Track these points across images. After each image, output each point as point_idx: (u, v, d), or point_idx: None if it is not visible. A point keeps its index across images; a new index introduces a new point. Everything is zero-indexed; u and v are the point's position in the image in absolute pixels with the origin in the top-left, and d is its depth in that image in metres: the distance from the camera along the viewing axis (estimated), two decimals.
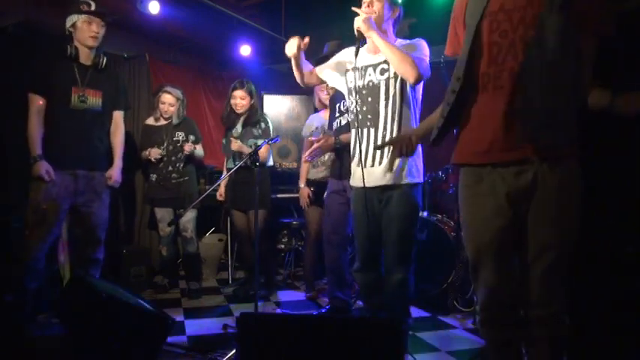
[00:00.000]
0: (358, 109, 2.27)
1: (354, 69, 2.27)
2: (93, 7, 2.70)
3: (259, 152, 3.44)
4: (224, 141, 3.69)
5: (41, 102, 2.65)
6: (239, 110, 3.52)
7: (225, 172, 3.71)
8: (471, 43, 1.44)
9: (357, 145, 2.27)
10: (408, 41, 2.24)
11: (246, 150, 3.37)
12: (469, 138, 1.50)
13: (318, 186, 3.52)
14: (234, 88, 3.52)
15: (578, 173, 1.42)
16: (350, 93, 2.32)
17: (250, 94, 3.52)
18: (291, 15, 4.87)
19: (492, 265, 1.47)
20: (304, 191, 3.57)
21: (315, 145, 2.73)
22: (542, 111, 1.35)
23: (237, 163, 2.86)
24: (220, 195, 3.70)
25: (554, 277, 1.41)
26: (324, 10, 4.55)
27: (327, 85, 3.44)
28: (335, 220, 3.13)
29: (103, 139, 2.89)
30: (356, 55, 2.16)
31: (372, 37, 2.09)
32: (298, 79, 2.44)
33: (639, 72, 1.75)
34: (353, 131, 2.31)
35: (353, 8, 2.14)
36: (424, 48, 2.20)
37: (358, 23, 2.08)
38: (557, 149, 1.37)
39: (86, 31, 2.69)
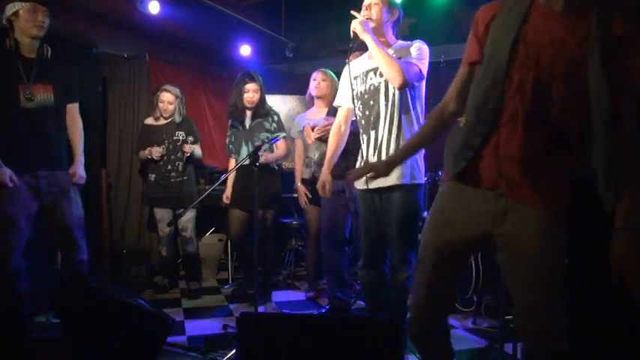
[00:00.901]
0: (361, 114, 2.32)
1: (357, 76, 2.33)
2: None
3: (279, 147, 3.45)
4: (228, 140, 3.61)
5: None
6: (252, 105, 3.45)
7: (231, 175, 3.61)
8: (505, 70, 1.34)
9: (362, 148, 2.32)
10: (408, 43, 2.26)
11: (270, 158, 3.37)
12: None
13: (312, 184, 3.52)
14: (245, 82, 3.44)
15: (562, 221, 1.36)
16: (353, 101, 2.35)
17: (261, 86, 3.47)
18: (291, 15, 4.88)
19: (435, 269, 1.48)
20: (301, 189, 3.58)
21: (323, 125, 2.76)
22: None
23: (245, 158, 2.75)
24: (227, 198, 3.59)
25: (555, 315, 1.35)
26: (323, 10, 4.56)
27: (319, 77, 3.45)
28: (332, 221, 3.13)
29: (61, 135, 2.72)
30: (348, 55, 2.22)
31: (366, 39, 2.14)
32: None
33: None
34: (361, 138, 2.35)
35: (352, 11, 2.19)
36: (422, 52, 2.22)
37: (355, 25, 2.15)
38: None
39: (30, 20, 2.49)
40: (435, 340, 1.59)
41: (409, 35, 2.36)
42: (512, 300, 1.43)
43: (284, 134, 3.50)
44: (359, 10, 2.23)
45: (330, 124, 3.07)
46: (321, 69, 3.53)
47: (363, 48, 2.27)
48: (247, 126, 3.51)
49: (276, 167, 3.56)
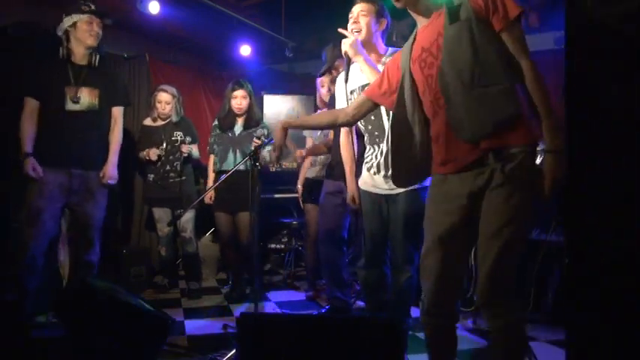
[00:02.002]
0: (363, 128, 2.35)
1: (353, 91, 2.33)
2: (93, 8, 2.72)
3: (263, 155, 3.45)
4: (213, 139, 3.63)
5: (36, 105, 2.65)
6: (240, 111, 3.51)
7: (213, 175, 3.67)
8: (411, 88, 1.68)
9: (369, 157, 2.35)
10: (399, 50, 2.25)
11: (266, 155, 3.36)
12: (434, 155, 1.69)
13: (316, 184, 3.53)
14: (234, 89, 3.49)
15: (528, 167, 1.50)
16: None
17: (250, 94, 3.52)
18: (291, 15, 4.87)
19: (441, 255, 1.61)
20: (299, 190, 3.63)
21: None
22: (478, 119, 1.49)
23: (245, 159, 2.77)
24: (210, 198, 3.59)
25: (499, 271, 1.51)
26: (323, 10, 4.54)
27: (328, 81, 3.46)
28: (330, 221, 3.13)
29: (102, 138, 2.85)
30: (346, 80, 2.23)
31: (359, 62, 2.15)
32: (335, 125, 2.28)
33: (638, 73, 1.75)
34: (367, 147, 2.37)
35: (340, 30, 2.19)
36: None
37: (345, 47, 2.14)
38: (504, 148, 1.49)
39: (87, 30, 2.69)
40: (444, 323, 1.67)
41: (408, 36, 2.34)
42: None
43: (267, 141, 3.52)
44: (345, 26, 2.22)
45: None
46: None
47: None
48: (236, 133, 3.53)
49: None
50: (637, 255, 1.74)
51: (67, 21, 2.69)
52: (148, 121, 3.76)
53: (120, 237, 4.14)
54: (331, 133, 3.19)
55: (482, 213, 1.54)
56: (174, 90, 3.68)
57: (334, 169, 3.06)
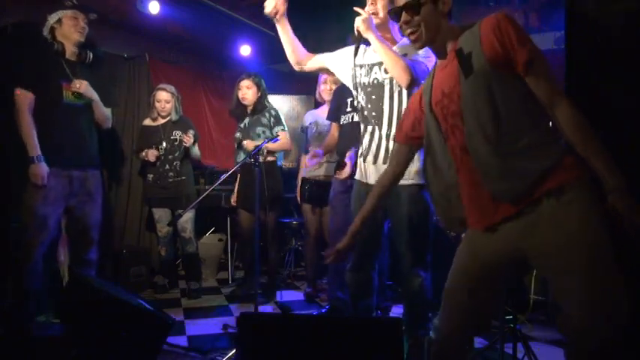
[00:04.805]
0: (363, 105, 2.26)
1: (362, 66, 2.25)
2: (76, 2, 2.73)
3: (280, 139, 3.36)
4: (236, 134, 3.65)
5: (32, 99, 2.62)
6: (246, 101, 3.52)
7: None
8: (437, 131, 1.56)
9: (363, 141, 2.26)
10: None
11: (272, 147, 3.34)
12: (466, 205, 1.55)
13: (314, 184, 3.53)
14: (241, 79, 3.54)
15: (581, 196, 1.33)
16: (355, 88, 2.28)
17: (257, 85, 3.53)
18: (291, 14, 4.87)
19: (475, 291, 1.48)
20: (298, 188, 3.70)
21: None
22: (510, 181, 1.36)
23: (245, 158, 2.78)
24: (234, 201, 3.69)
25: (603, 315, 1.28)
26: (324, 10, 4.54)
27: (330, 80, 3.46)
28: (340, 220, 3.11)
29: (94, 134, 2.86)
30: (355, 54, 2.16)
31: (370, 37, 2.07)
32: (291, 57, 2.36)
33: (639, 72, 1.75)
34: (361, 127, 2.29)
35: (355, 8, 2.12)
36: (428, 50, 2.17)
37: (358, 23, 2.07)
38: (550, 190, 1.34)
39: (72, 25, 2.69)
40: (456, 356, 1.58)
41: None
42: (563, 307, 1.35)
43: (282, 127, 3.54)
44: (363, 7, 2.15)
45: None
46: None
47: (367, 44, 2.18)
48: (247, 124, 3.54)
49: (277, 164, 3.61)
50: (637, 255, 1.74)
51: (52, 18, 2.69)
52: (147, 122, 3.77)
53: (121, 237, 4.14)
54: (334, 130, 3.17)
55: (546, 248, 1.34)
56: (172, 89, 3.69)
57: (341, 167, 3.04)
